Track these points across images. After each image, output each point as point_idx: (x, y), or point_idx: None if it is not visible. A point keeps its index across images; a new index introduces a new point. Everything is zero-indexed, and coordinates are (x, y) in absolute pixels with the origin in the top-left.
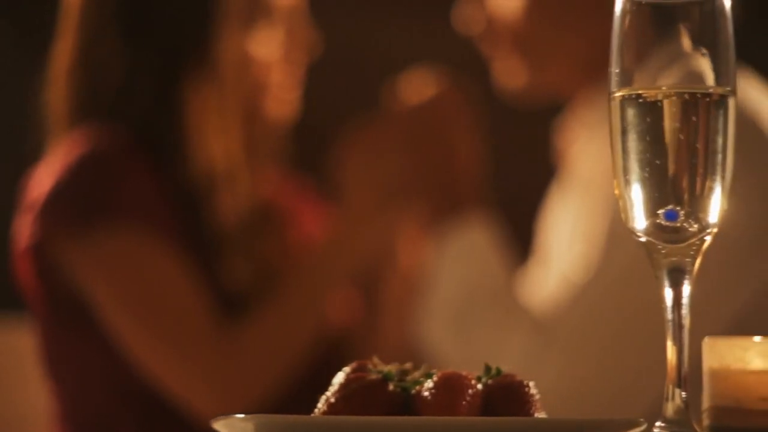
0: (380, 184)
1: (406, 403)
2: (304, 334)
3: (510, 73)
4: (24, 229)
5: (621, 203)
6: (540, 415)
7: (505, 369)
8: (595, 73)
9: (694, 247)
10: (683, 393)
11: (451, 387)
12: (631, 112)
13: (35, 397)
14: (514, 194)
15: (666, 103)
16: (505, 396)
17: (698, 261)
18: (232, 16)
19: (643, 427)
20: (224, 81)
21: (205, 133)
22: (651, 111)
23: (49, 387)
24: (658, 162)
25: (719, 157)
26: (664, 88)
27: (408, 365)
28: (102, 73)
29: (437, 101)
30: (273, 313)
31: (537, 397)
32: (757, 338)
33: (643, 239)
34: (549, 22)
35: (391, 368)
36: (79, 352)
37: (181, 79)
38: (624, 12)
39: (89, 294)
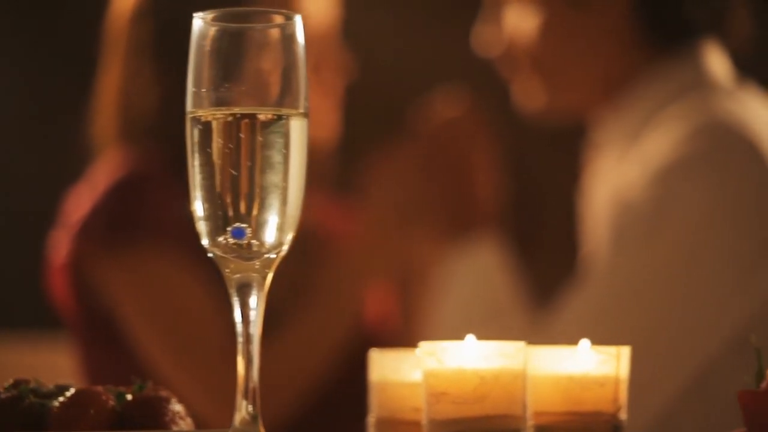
0: (401, 203)
1: (44, 418)
2: (331, 343)
3: (529, 95)
4: (61, 246)
5: (194, 220)
6: (179, 427)
7: None
8: (613, 92)
9: (258, 264)
10: (250, 406)
11: (76, 403)
12: (195, 132)
13: None
14: (534, 213)
15: (219, 125)
16: (141, 411)
17: (269, 277)
18: None
19: None
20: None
21: None
22: (208, 131)
23: None
24: (218, 181)
25: (278, 177)
26: (220, 109)
27: (71, 383)
28: (142, 100)
29: (456, 123)
30: (299, 325)
31: (177, 410)
32: (419, 350)
33: (212, 255)
34: (567, 44)
35: (38, 385)
36: (116, 367)
37: None
38: (201, 34)
39: (120, 311)
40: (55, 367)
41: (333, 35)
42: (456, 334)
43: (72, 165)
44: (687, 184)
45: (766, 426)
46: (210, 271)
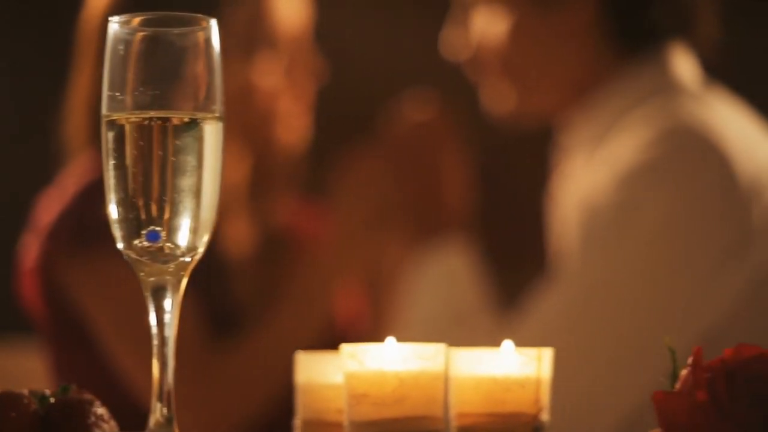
0: (370, 206)
1: None
2: (302, 345)
3: (498, 98)
4: (31, 249)
5: (111, 222)
6: (101, 431)
7: None
8: (581, 95)
9: (173, 267)
10: (165, 408)
11: None
12: (109, 135)
13: None
14: (502, 216)
15: (133, 128)
16: (64, 414)
17: (184, 281)
18: (232, 47)
19: None
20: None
21: None
22: (122, 135)
23: None
24: (132, 184)
25: (192, 181)
26: (135, 113)
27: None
28: None
29: (425, 126)
30: (270, 326)
31: (100, 413)
32: (346, 352)
33: (128, 258)
34: (535, 47)
35: None
36: (86, 370)
37: None
38: (117, 38)
39: (89, 314)
40: (26, 371)
41: (305, 39)
42: (426, 336)
43: (43, 168)
44: (653, 188)
45: (680, 426)
46: None
